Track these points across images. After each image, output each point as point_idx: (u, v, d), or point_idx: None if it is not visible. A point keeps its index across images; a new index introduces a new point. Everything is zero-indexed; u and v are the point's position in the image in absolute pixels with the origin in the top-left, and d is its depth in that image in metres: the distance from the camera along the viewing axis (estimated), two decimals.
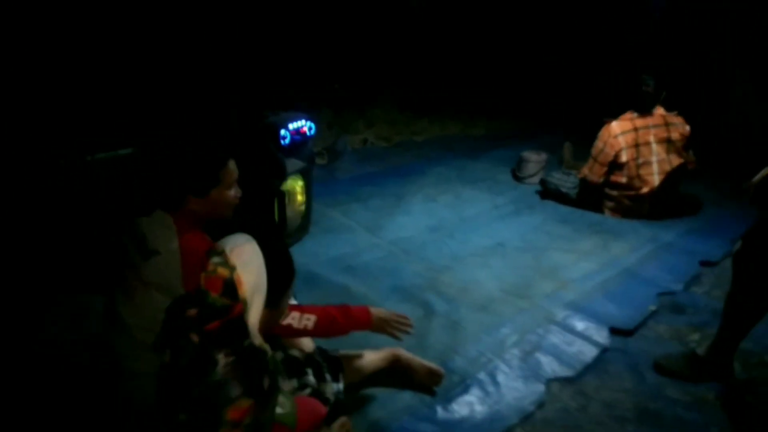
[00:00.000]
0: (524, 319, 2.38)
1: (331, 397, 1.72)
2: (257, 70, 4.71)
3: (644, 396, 1.98)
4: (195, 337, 1.09)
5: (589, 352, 2.18)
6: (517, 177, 4.18)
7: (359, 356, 1.95)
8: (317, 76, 5.55)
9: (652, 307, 2.48)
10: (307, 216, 3.06)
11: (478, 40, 6.64)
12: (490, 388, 1.98)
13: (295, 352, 1.78)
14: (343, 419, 1.67)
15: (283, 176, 2.68)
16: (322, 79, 5.61)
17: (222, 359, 1.07)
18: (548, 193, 3.78)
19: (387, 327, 1.82)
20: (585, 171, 3.52)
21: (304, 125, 2.87)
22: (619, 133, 3.34)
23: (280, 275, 1.25)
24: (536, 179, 4.04)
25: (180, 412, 1.07)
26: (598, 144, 3.41)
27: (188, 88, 3.92)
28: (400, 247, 3.04)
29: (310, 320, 1.68)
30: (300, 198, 2.93)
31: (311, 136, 2.96)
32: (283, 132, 2.70)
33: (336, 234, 3.15)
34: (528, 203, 3.76)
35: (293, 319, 1.66)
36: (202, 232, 1.59)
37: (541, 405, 1.92)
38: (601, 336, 2.27)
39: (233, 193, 1.66)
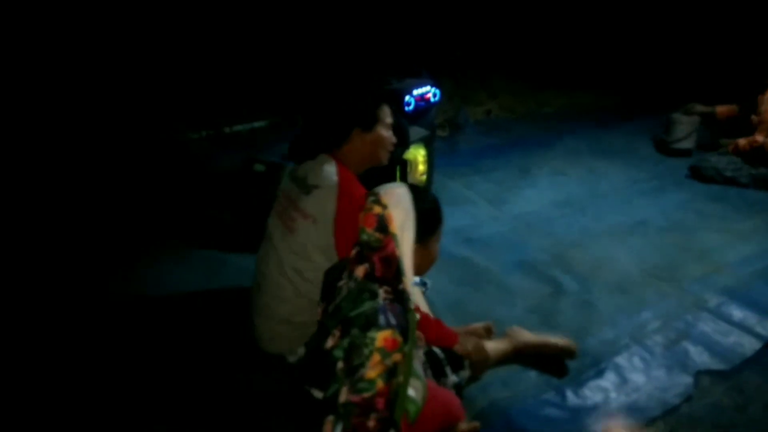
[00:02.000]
0: (669, 304, 2.13)
1: (451, 389, 1.65)
2: (380, 36, 4.71)
3: None
4: (360, 271, 1.20)
5: (749, 345, 1.89)
6: (665, 143, 3.74)
7: (487, 344, 1.84)
8: (438, 44, 5.41)
9: None
10: (428, 186, 2.98)
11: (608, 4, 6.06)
12: (629, 375, 1.80)
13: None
14: (474, 424, 1.56)
15: (407, 144, 2.61)
16: (443, 47, 5.46)
17: (382, 294, 1.16)
18: (706, 179, 3.29)
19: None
20: None
21: (429, 91, 2.78)
22: None
23: (428, 216, 1.31)
24: (687, 144, 3.60)
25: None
26: None
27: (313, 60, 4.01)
28: (524, 221, 2.87)
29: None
30: (422, 167, 2.86)
31: (435, 103, 2.86)
32: (407, 98, 2.63)
33: (456, 206, 3.04)
34: (674, 178, 3.37)
35: None
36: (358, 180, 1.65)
37: (687, 398, 1.70)
38: (764, 328, 1.96)
39: (389, 135, 1.73)
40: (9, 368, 1.76)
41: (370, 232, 1.21)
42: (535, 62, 5.85)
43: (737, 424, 1.62)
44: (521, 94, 5.31)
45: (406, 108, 2.64)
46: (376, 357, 1.08)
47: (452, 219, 2.87)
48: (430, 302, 2.07)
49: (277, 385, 1.65)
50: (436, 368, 1.63)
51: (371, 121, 1.67)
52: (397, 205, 1.23)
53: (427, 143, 2.84)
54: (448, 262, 2.46)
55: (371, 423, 1.08)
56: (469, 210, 3.02)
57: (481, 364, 1.71)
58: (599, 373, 1.79)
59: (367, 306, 1.14)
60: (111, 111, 3.56)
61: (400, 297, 1.17)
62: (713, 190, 3.15)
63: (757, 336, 1.93)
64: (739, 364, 1.83)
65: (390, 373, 1.10)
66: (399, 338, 1.11)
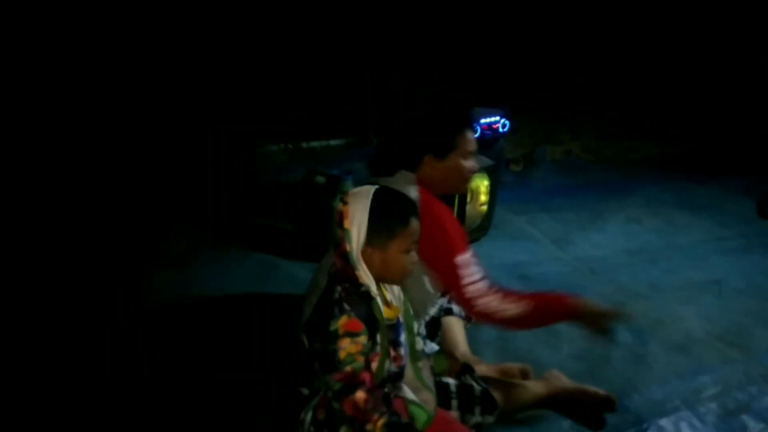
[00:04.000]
0: (733, 372, 1.93)
1: (480, 389, 1.59)
2: (468, 62, 4.74)
3: None
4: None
5: None
6: (764, 212, 3.44)
7: (520, 386, 1.75)
8: (526, 78, 5.37)
9: None
10: (488, 217, 2.93)
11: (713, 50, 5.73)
12: None
13: (447, 379, 1.65)
14: None
15: None
16: (531, 83, 5.40)
17: (339, 289, 1.19)
18: None
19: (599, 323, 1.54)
20: None
21: (498, 122, 2.76)
22: None
23: (383, 214, 1.23)
24: None
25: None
26: None
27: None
28: (588, 265, 2.73)
29: (510, 308, 1.49)
30: (483, 197, 2.82)
31: (504, 134, 2.83)
32: (477, 125, 2.63)
33: (516, 241, 2.97)
34: (764, 240, 3.08)
35: (491, 300, 1.50)
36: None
37: None
38: None
39: (469, 165, 1.64)
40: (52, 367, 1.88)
41: (335, 228, 1.23)
42: (626, 107, 5.64)
43: None
44: (607, 138, 5.12)
45: (476, 135, 2.63)
46: (345, 340, 1.12)
47: (509, 253, 2.83)
48: (471, 335, 2.04)
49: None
50: (465, 402, 1.57)
51: (445, 148, 1.60)
52: (357, 201, 1.21)
53: (491, 174, 2.80)
54: None
55: (360, 396, 1.10)
56: (529, 246, 2.92)
57: (510, 409, 1.64)
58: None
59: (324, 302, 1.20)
60: (194, 119, 3.82)
61: (357, 290, 1.20)
62: None
63: None
64: None
65: (365, 351, 1.13)
66: (359, 322, 1.14)
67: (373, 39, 4.38)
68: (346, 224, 1.21)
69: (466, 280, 1.50)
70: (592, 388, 1.75)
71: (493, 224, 3.03)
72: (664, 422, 1.69)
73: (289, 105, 4.17)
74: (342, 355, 1.12)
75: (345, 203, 1.23)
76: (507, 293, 1.51)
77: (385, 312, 1.24)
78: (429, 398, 1.33)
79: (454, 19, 4.81)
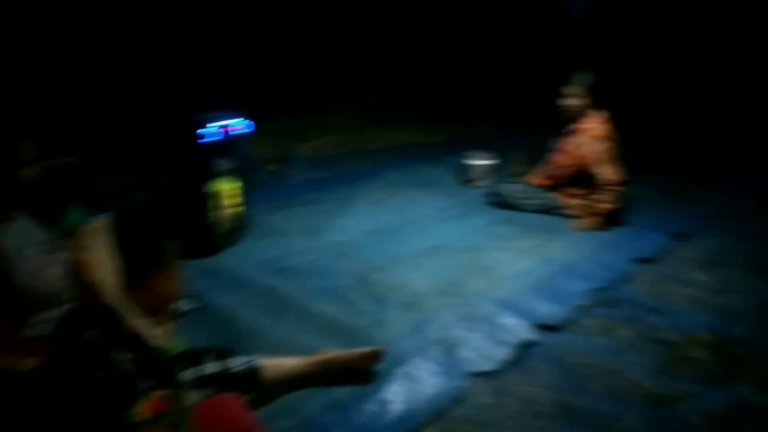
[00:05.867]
0: (450, 316, 2.33)
1: (241, 369, 1.67)
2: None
3: (565, 391, 1.93)
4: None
5: (514, 348, 2.13)
6: (465, 181, 4.15)
7: (281, 364, 1.87)
8: (276, 82, 5.53)
9: (582, 303, 2.45)
10: (242, 219, 2.98)
11: (442, 46, 6.68)
12: (408, 385, 1.92)
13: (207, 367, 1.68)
14: None
15: (210, 177, 2.61)
16: (280, 85, 5.58)
17: (118, 355, 0.97)
18: (501, 204, 3.65)
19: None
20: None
21: (234, 124, 2.81)
22: None
23: (142, 254, 1.13)
24: (484, 183, 4.02)
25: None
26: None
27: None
28: (337, 249, 2.98)
29: None
30: (232, 200, 2.86)
31: (247, 135, 2.90)
32: (206, 129, 2.64)
33: (272, 238, 3.08)
34: (476, 206, 3.73)
35: None
36: None
37: (458, 401, 1.86)
38: (528, 332, 2.23)
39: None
40: None
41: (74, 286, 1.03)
42: (372, 101, 6.21)
43: (496, 420, 1.80)
44: (357, 131, 5.59)
45: (207, 139, 2.65)
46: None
47: (265, 251, 2.92)
48: (228, 329, 2.09)
49: None
50: (224, 385, 1.63)
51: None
52: (97, 244, 1.01)
53: (239, 175, 2.86)
54: (251, 292, 2.47)
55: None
56: (284, 241, 3.06)
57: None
58: (383, 387, 1.89)
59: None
60: None
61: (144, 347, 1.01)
62: (507, 215, 3.54)
63: (520, 339, 2.18)
64: (504, 365, 2.04)
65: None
66: (160, 396, 0.99)
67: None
68: (90, 277, 0.99)
69: None
70: (360, 350, 1.95)
71: (249, 224, 3.10)
72: (401, 372, 1.96)
73: None
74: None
75: (81, 250, 1.01)
76: None
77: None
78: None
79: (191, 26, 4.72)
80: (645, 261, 2.88)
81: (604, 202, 3.20)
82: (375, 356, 1.96)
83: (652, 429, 1.77)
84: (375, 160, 4.79)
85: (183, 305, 2.08)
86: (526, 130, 5.48)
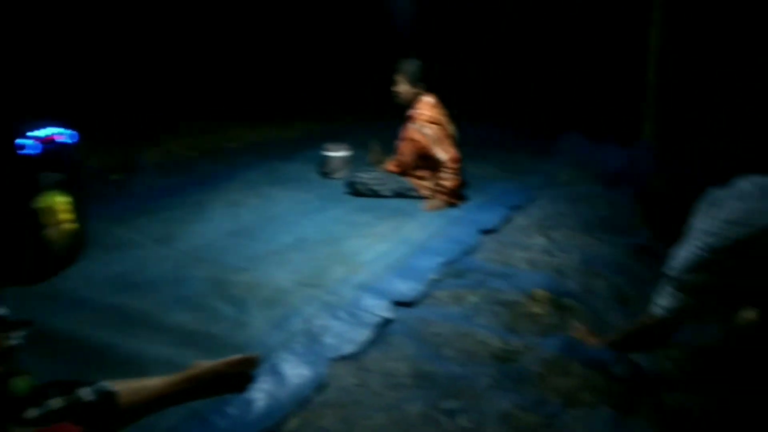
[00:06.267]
0: (313, 306, 2.36)
1: (92, 398, 1.57)
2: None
3: (422, 360, 2.05)
4: None
5: (373, 327, 2.22)
6: (324, 173, 4.21)
7: (141, 386, 1.76)
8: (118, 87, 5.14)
9: (434, 276, 2.61)
10: (78, 235, 2.74)
11: (286, 44, 6.64)
12: (272, 381, 1.92)
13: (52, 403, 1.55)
14: None
15: (34, 192, 2.36)
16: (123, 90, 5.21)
17: None
18: (358, 193, 3.76)
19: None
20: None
21: (61, 133, 2.58)
22: None
23: None
24: (342, 174, 4.10)
25: None
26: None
27: None
28: (193, 255, 2.87)
29: None
30: (64, 216, 2.61)
31: (69, 145, 2.67)
32: (25, 140, 2.39)
33: (119, 251, 2.88)
34: (334, 197, 3.79)
35: None
36: None
37: (321, 388, 1.90)
38: (385, 310, 2.33)
39: None
40: None
41: None
42: (220, 100, 6.00)
43: (360, 399, 1.87)
44: (208, 132, 5.38)
45: (27, 151, 2.39)
46: None
47: (112, 267, 2.73)
48: (75, 355, 1.94)
49: None
50: (76, 418, 1.52)
51: None
52: None
53: (69, 188, 2.62)
54: (98, 312, 2.30)
55: None
56: (133, 254, 2.87)
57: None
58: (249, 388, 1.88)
59: None
60: None
61: None
62: (363, 203, 3.65)
63: (379, 318, 2.27)
64: (365, 345, 2.12)
65: None
66: None
67: None
68: None
69: None
70: (231, 357, 1.89)
71: (89, 240, 2.86)
72: (266, 369, 1.96)
73: None
74: None
75: None
76: None
77: None
78: None
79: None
80: (489, 232, 3.14)
81: (446, 180, 3.44)
82: (249, 363, 1.93)
83: (499, 382, 1.95)
84: (231, 160, 4.67)
85: (12, 339, 1.87)
86: (381, 120, 5.66)
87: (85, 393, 1.61)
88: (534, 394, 1.90)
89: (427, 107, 3.55)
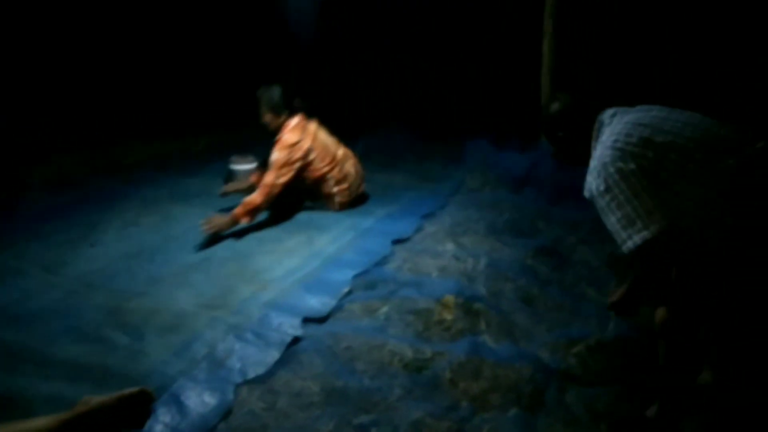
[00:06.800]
0: (217, 329, 2.25)
1: None
2: None
3: (332, 376, 2.00)
4: None
5: (281, 347, 2.14)
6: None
7: (24, 428, 1.57)
8: None
9: (346, 289, 2.58)
10: None
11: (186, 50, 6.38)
12: (173, 412, 1.79)
13: None
14: None
15: None
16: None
17: None
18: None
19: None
20: None
21: None
22: None
23: None
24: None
25: None
26: None
27: None
28: (85, 282, 2.65)
29: None
30: None
31: None
32: None
33: (1, 281, 2.61)
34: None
35: None
36: None
37: (227, 414, 1.80)
38: (295, 327, 2.26)
39: None
40: None
41: None
42: (116, 112, 5.64)
43: (268, 423, 1.79)
44: (101, 147, 5.03)
45: None
46: None
47: None
48: None
49: None
50: None
51: None
52: None
53: None
54: None
55: None
56: (16, 283, 2.61)
57: None
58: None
59: None
60: None
61: None
62: (274, 217, 3.54)
63: (288, 337, 2.20)
64: (273, 366, 2.04)
65: None
66: None
67: None
68: None
69: None
70: (124, 391, 1.73)
71: None
72: (165, 399, 1.83)
73: None
74: None
75: None
76: None
77: None
78: None
79: None
80: (400, 241, 3.16)
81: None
82: (145, 395, 1.78)
83: (411, 392, 1.94)
84: (129, 176, 4.38)
85: None
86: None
87: None
88: (445, 401, 1.91)
89: (288, 131, 3.43)
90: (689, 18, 4.36)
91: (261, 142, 5.25)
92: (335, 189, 3.62)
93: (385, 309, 2.46)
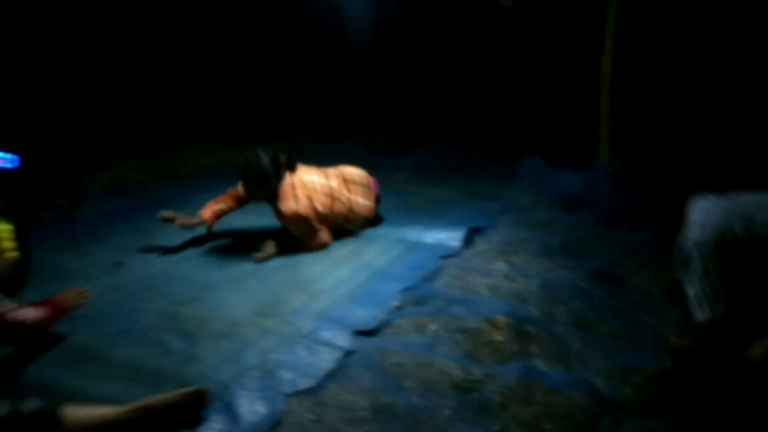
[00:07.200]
0: (269, 339, 2.27)
1: (35, 412, 1.54)
2: None
3: (381, 392, 1.98)
4: None
5: (331, 359, 2.14)
6: None
7: (90, 411, 1.69)
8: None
9: (396, 304, 2.56)
10: (20, 265, 2.58)
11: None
12: (225, 419, 1.82)
13: None
14: None
15: None
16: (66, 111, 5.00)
17: None
18: None
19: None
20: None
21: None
22: None
23: None
24: None
25: None
26: None
27: None
28: (142, 285, 2.73)
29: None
30: (5, 244, 2.46)
31: (13, 169, 2.53)
32: None
33: (62, 281, 2.70)
34: None
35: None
36: None
37: (277, 424, 1.81)
38: (345, 340, 2.26)
39: None
40: None
41: None
42: (175, 122, 5.85)
43: None
44: (160, 154, 5.22)
45: None
46: None
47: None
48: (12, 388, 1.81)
49: None
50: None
51: None
52: None
53: (10, 215, 2.47)
54: (40, 344, 2.16)
55: None
56: (76, 283, 2.69)
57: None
58: (199, 425, 1.77)
59: None
60: None
61: None
62: None
63: (338, 349, 2.20)
64: (322, 378, 2.04)
65: None
66: None
67: None
68: None
69: None
70: (181, 390, 1.80)
71: (30, 269, 2.70)
72: (217, 406, 1.86)
73: None
74: None
75: None
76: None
77: None
78: None
79: None
80: (449, 257, 3.12)
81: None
82: (199, 396, 1.83)
83: (460, 414, 1.90)
84: (184, 183, 4.52)
85: None
86: (341, 137, 5.65)
87: (29, 407, 1.56)
88: (495, 425, 1.86)
89: (285, 201, 3.16)
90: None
91: (314, 149, 5.35)
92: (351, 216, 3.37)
93: (433, 326, 2.43)
